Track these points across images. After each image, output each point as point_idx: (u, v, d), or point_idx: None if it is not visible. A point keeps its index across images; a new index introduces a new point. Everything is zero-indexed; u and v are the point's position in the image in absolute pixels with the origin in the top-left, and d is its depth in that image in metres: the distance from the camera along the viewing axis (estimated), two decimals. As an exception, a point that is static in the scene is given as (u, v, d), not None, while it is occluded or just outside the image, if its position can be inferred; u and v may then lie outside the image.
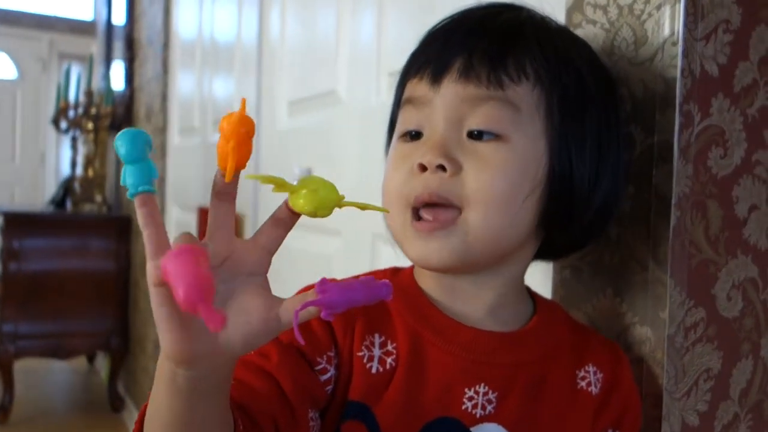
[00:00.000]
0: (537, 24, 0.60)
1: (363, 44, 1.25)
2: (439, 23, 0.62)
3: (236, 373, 0.52)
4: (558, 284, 0.75)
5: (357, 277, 0.41)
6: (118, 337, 3.05)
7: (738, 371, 0.70)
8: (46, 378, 3.64)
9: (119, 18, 3.47)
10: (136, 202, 0.38)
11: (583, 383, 0.62)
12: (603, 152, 0.59)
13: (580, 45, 0.62)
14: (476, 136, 0.56)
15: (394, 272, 0.65)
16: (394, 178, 0.59)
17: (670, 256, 0.63)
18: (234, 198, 0.41)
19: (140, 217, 0.38)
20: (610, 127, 0.60)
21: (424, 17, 1.07)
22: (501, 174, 0.55)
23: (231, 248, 0.40)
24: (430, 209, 0.56)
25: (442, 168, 0.55)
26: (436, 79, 0.57)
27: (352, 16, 1.30)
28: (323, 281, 0.39)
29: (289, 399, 0.53)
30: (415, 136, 0.59)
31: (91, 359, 3.85)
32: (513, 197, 0.55)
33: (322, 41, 1.41)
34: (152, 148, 0.39)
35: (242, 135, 0.38)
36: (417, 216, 0.57)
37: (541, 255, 0.65)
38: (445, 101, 0.57)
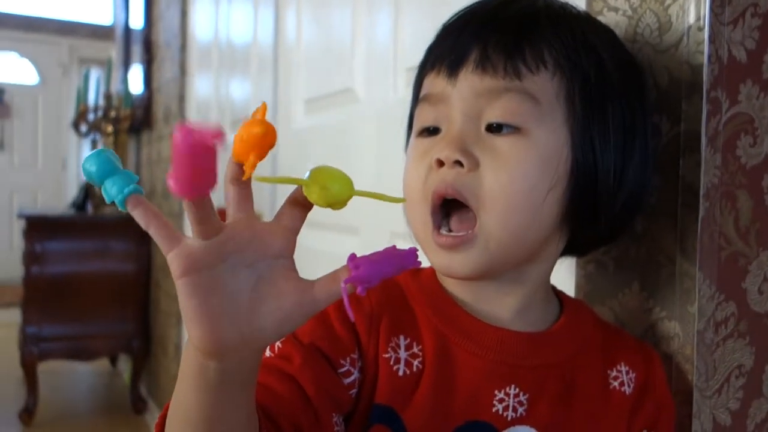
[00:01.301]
0: (554, 11, 0.58)
1: (379, 41, 1.24)
2: (454, 15, 0.61)
3: (258, 377, 0.51)
4: (582, 279, 0.73)
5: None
6: (140, 339, 3.07)
7: (771, 367, 0.68)
8: (69, 380, 3.68)
9: (137, 22, 3.49)
10: (129, 206, 0.37)
11: (616, 383, 0.60)
12: (628, 141, 0.57)
13: (601, 31, 0.60)
14: (495, 129, 0.54)
15: (415, 273, 0.63)
16: (413, 174, 0.58)
17: (698, 248, 0.61)
18: (250, 181, 0.39)
19: (139, 218, 0.37)
20: (635, 114, 0.58)
21: (440, 12, 1.05)
22: (520, 171, 0.53)
23: (254, 230, 0.39)
24: (451, 219, 0.55)
25: (459, 163, 0.54)
26: (452, 72, 0.56)
27: (368, 14, 1.28)
28: (353, 257, 0.39)
29: (312, 402, 0.51)
30: (433, 131, 0.58)
31: (113, 361, 3.88)
32: (533, 194, 0.54)
33: (338, 39, 1.40)
34: (119, 160, 0.39)
35: (264, 148, 0.37)
36: (436, 223, 0.55)
37: (566, 251, 0.63)
38: (462, 95, 0.55)
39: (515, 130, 0.54)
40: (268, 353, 0.54)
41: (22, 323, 2.92)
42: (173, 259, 0.37)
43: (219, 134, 0.33)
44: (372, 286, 0.38)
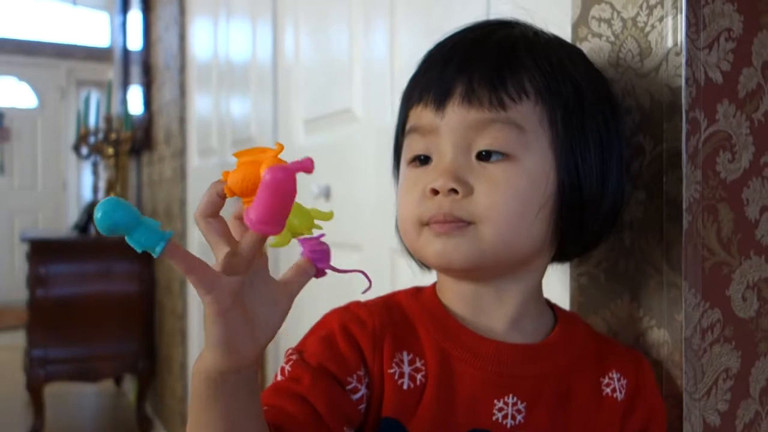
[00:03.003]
0: (530, 40, 0.61)
1: (376, 62, 1.28)
2: (436, 46, 0.64)
3: (270, 400, 0.55)
4: (576, 291, 0.76)
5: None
6: (145, 358, 3.09)
7: (757, 370, 0.71)
8: (74, 402, 3.69)
9: (135, 44, 3.54)
10: (166, 256, 0.40)
11: (608, 389, 0.63)
12: (606, 154, 0.61)
13: (573, 54, 0.64)
14: (484, 157, 0.58)
15: (416, 291, 0.67)
16: (406, 202, 0.61)
17: (683, 259, 0.65)
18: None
19: (179, 266, 0.41)
20: (609, 127, 0.62)
21: (434, 35, 1.09)
22: (512, 194, 0.57)
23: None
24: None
25: (454, 191, 0.57)
26: (440, 106, 0.59)
27: (364, 35, 1.33)
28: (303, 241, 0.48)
29: (324, 419, 0.55)
30: (423, 160, 0.61)
31: (118, 382, 3.90)
32: (524, 215, 0.57)
33: (336, 60, 1.44)
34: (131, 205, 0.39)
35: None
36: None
37: (554, 259, 0.66)
38: (450, 127, 0.59)
39: (505, 156, 0.57)
40: (279, 377, 0.58)
41: (28, 346, 2.94)
42: (213, 302, 0.42)
43: (309, 165, 0.39)
44: (323, 265, 0.48)
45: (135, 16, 3.53)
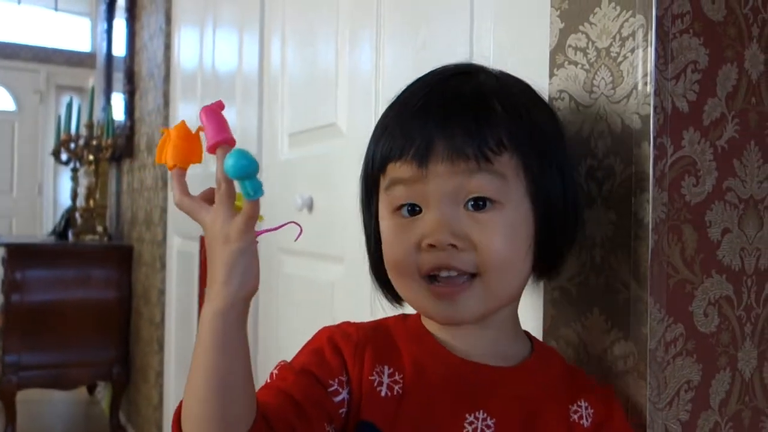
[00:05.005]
0: (497, 89, 0.64)
1: (362, 78, 1.31)
2: (406, 95, 0.65)
3: (257, 395, 0.59)
4: (549, 304, 0.80)
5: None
6: (120, 366, 3.08)
7: (717, 382, 0.75)
8: (47, 409, 3.65)
9: (119, 51, 3.55)
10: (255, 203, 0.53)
11: (575, 416, 0.67)
12: (567, 181, 0.66)
13: (529, 94, 0.68)
14: (474, 205, 0.61)
15: (404, 317, 0.71)
16: (397, 251, 0.63)
17: (649, 276, 0.69)
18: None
19: (251, 212, 0.53)
20: (566, 153, 0.67)
21: (420, 53, 1.13)
22: (507, 241, 0.61)
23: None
24: (447, 278, 0.62)
25: (452, 245, 0.60)
26: (422, 162, 0.60)
27: (350, 51, 1.36)
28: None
29: (303, 409, 0.59)
30: (411, 210, 0.63)
31: (91, 390, 3.86)
32: (519, 258, 0.62)
33: (322, 74, 1.47)
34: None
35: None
36: (432, 278, 0.62)
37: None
38: (436, 177, 0.60)
39: (493, 204, 0.61)
40: (267, 379, 0.64)
41: (1, 352, 2.91)
42: (249, 238, 0.53)
43: (221, 104, 0.57)
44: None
45: (119, 24, 3.54)
